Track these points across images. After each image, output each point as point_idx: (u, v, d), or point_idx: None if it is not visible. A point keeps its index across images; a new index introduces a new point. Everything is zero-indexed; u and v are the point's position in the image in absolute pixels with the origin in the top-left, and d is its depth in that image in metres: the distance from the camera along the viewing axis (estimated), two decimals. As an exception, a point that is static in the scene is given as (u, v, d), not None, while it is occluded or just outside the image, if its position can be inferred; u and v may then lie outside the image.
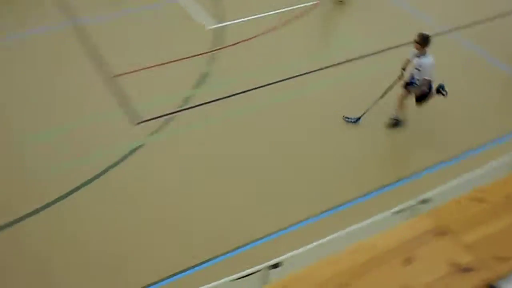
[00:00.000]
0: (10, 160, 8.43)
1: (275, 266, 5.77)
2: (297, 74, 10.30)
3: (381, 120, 9.21)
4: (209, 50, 10.98)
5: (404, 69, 8.86)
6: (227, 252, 7.13)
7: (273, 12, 12.20)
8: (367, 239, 2.29)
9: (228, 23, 11.85)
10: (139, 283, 6.72)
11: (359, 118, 9.14)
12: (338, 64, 10.59)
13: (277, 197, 8.00)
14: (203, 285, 5.39)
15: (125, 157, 8.49)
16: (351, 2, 12.71)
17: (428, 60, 8.54)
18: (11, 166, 8.33)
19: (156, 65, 10.46)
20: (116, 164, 8.37)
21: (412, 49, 8.69)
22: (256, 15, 12.08)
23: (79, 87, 9.96)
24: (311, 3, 12.58)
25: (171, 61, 10.59)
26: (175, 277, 6.86)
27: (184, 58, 10.68)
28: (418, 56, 8.58)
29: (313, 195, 8.05)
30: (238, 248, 7.20)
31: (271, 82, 10.10)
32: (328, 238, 5.66)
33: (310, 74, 10.34)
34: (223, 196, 7.99)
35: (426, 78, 8.59)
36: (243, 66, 10.62)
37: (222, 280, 5.39)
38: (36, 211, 7.58)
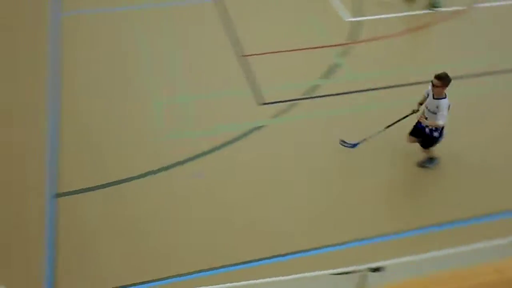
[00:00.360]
0: (137, 122, 8.97)
1: (377, 269, 5.67)
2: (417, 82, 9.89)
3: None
4: (343, 43, 10.90)
5: (421, 103, 7.83)
6: (329, 246, 7.10)
7: (414, 13, 11.86)
8: (491, 262, 2.18)
9: (367, 18, 11.68)
10: (235, 258, 6.94)
11: (356, 144, 8.24)
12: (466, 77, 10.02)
13: (390, 201, 7.81)
14: (300, 273, 5.41)
15: (244, 135, 8.72)
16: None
17: (445, 100, 7.45)
18: (137, 127, 8.86)
19: (288, 50, 10.61)
20: (235, 140, 8.62)
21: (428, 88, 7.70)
22: (396, 13, 11.81)
23: (213, 60, 10.39)
24: (454, 8, 12.06)
25: (303, 48, 10.68)
26: (272, 259, 6.96)
27: (316, 47, 10.72)
28: (434, 98, 7.51)
29: (426, 206, 7.76)
30: (342, 244, 7.14)
31: (398, 84, 9.85)
32: (437, 253, 5.45)
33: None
34: (330, 189, 7.94)
35: (440, 122, 7.47)
36: (373, 63, 10.40)
37: (321, 272, 5.37)
38: (147, 174, 8.04)
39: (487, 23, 11.71)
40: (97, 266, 6.82)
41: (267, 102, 9.37)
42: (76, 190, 7.72)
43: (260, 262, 6.89)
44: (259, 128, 8.88)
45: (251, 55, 10.45)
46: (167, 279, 6.65)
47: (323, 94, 9.61)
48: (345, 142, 8.34)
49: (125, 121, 8.96)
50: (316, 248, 7.07)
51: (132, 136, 8.67)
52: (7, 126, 8.79)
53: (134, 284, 6.58)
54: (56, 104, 9.22)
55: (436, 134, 7.79)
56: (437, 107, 7.46)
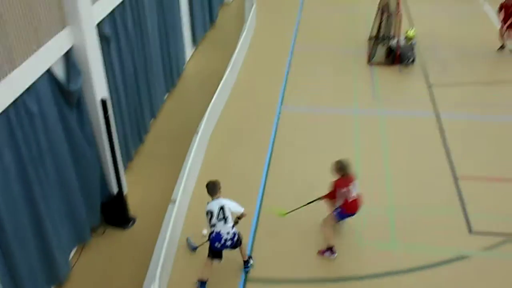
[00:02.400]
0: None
1: None
2: None
3: None
4: None
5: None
6: None
7: None
8: None
9: None
10: None
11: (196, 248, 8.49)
12: None
13: None
14: None
15: (447, 262, 8.17)
16: None
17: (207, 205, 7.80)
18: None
19: (505, 179, 9.88)
20: (436, 265, 8.12)
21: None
22: None
23: (428, 175, 10.14)
24: None
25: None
26: None
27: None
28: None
29: None
30: None
31: None
32: None
33: None
34: None
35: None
36: None
37: None
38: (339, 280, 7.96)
39: None
40: None
41: (478, 231, 8.71)
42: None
43: None
44: (464, 257, 8.24)
45: (467, 178, 9.94)
46: None
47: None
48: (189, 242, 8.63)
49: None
50: None
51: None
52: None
53: None
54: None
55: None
56: None
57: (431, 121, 11.80)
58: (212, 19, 17.04)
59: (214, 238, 7.60)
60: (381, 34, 14.68)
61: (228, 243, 7.62)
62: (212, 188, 7.77)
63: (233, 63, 13.28)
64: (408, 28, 14.74)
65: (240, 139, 11.40)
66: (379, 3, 15.14)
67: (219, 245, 7.62)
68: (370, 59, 14.44)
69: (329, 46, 15.61)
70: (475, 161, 10.51)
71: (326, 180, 8.22)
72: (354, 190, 8.04)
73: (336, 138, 11.33)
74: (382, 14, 14.66)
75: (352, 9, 18.52)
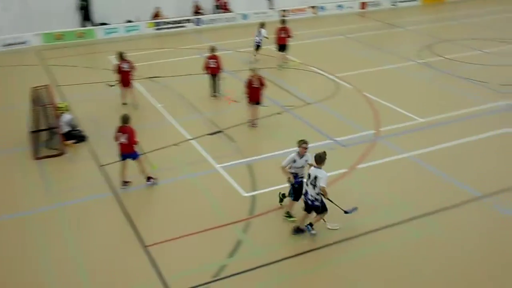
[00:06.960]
0: None
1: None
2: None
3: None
4: (243, 218, 11.17)
5: None
6: None
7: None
8: None
9: (262, 191, 12.21)
10: None
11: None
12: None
13: None
14: None
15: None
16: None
17: None
18: None
19: (191, 234, 10.65)
20: None
21: None
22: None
23: (117, 253, 10.23)
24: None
25: (206, 229, 10.77)
26: None
27: (220, 226, 10.89)
28: None
29: None
30: None
31: (301, 251, 10.16)
32: None
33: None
34: None
35: None
36: (273, 235, 10.69)
37: None
38: None
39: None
40: None
41: (178, 291, 9.14)
42: None
43: None
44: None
45: (154, 244, 10.37)
46: None
47: (230, 273, 9.54)
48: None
49: None
50: None
51: None
52: None
53: None
54: None
55: None
56: None
57: (111, 200, 12.00)
58: None
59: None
60: (40, 127, 14.38)
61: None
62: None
63: None
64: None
65: None
66: (30, 95, 14.83)
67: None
68: (36, 154, 13.96)
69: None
70: (161, 224, 11.10)
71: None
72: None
73: (16, 248, 10.54)
74: (36, 106, 14.40)
75: (6, 106, 17.75)
